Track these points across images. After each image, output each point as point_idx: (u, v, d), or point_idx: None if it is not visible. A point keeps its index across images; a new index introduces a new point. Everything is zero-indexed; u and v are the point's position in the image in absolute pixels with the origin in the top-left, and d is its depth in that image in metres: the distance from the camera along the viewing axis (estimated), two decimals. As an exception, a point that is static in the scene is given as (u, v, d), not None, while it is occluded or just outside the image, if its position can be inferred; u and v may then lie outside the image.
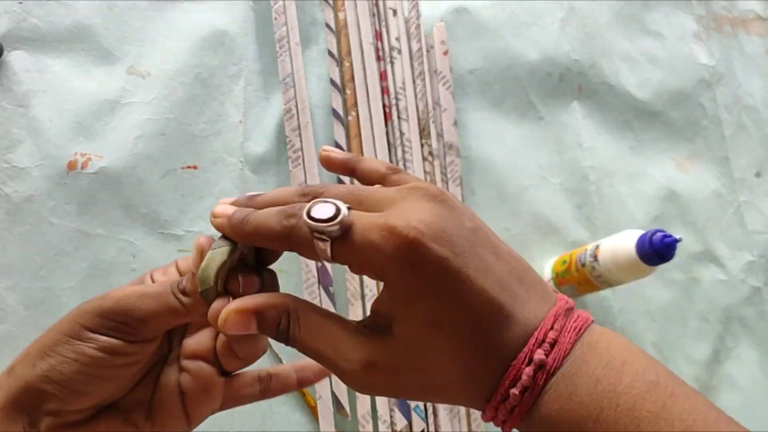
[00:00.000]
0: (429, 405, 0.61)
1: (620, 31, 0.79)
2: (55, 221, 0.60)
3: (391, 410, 0.60)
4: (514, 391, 0.24)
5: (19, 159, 0.60)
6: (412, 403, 0.60)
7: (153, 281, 0.32)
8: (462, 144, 0.70)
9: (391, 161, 0.67)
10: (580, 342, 0.24)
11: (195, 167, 0.64)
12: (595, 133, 0.75)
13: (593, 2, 0.79)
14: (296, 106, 0.66)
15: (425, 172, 0.67)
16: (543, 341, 0.24)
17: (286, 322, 0.27)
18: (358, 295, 0.62)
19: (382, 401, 0.60)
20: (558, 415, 0.23)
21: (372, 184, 0.30)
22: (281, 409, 0.60)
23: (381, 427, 0.59)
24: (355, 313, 0.61)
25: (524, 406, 0.24)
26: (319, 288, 0.61)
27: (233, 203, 0.29)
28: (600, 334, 0.25)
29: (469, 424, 0.61)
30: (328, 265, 0.62)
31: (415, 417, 0.60)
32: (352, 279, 0.62)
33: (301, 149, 0.65)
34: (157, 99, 0.65)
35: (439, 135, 0.69)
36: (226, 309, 0.26)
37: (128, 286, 0.30)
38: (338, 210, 0.24)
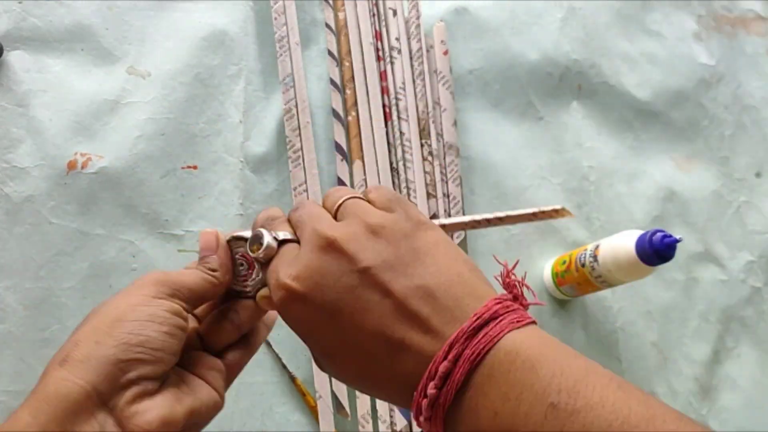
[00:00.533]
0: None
1: (620, 31, 0.79)
2: (55, 221, 0.60)
3: (391, 410, 0.60)
4: (420, 419, 0.26)
5: (19, 159, 0.60)
6: (412, 403, 0.60)
7: None
8: (462, 144, 0.70)
9: (391, 161, 0.67)
10: (481, 369, 0.25)
11: (195, 167, 0.64)
12: (595, 133, 0.75)
13: (593, 2, 0.79)
14: (296, 106, 0.66)
15: (425, 172, 0.67)
16: (435, 375, 0.26)
17: None
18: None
19: (382, 401, 0.60)
20: None
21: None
22: (281, 409, 0.60)
23: (381, 427, 0.59)
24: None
25: (437, 424, 0.26)
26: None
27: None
28: (504, 355, 0.25)
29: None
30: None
31: (415, 417, 0.60)
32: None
33: (301, 149, 0.65)
34: (157, 99, 0.65)
35: (439, 135, 0.69)
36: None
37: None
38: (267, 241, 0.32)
